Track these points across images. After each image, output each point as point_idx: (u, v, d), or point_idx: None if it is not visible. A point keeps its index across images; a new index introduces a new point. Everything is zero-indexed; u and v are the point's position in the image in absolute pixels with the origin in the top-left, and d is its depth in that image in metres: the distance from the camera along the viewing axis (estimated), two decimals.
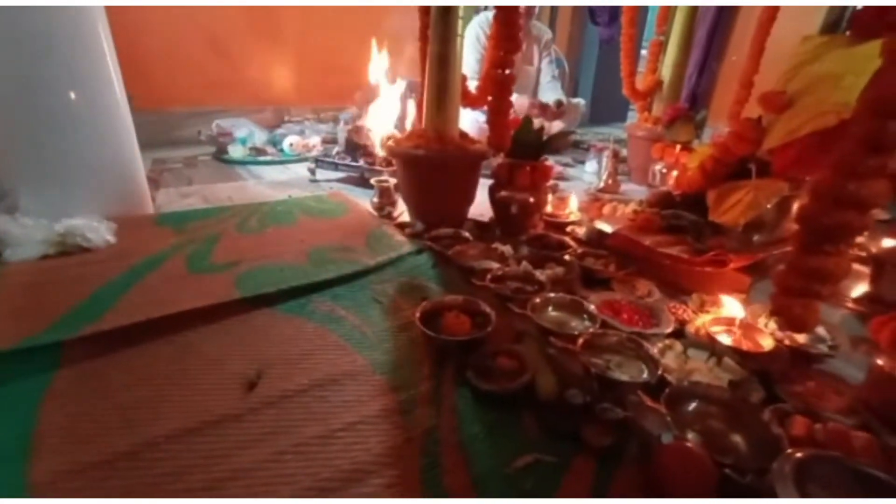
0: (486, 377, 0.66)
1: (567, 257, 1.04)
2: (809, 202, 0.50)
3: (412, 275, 0.97)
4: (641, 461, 0.54)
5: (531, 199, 1.15)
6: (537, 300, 0.81)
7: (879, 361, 0.61)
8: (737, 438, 0.57)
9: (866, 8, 0.74)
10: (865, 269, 0.92)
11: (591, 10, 2.69)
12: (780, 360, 0.72)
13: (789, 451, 0.39)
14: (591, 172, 1.92)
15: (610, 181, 1.73)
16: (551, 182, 1.77)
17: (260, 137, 2.00)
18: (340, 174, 1.70)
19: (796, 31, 0.97)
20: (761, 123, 0.91)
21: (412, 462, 0.53)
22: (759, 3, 1.60)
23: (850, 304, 0.91)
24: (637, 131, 1.82)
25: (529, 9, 2.09)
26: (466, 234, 1.12)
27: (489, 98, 1.08)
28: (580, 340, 0.69)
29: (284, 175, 1.78)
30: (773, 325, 0.79)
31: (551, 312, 0.82)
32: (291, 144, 1.96)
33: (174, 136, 2.17)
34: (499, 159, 1.19)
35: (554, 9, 3.42)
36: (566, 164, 2.13)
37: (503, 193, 1.16)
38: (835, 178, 0.45)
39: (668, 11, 1.72)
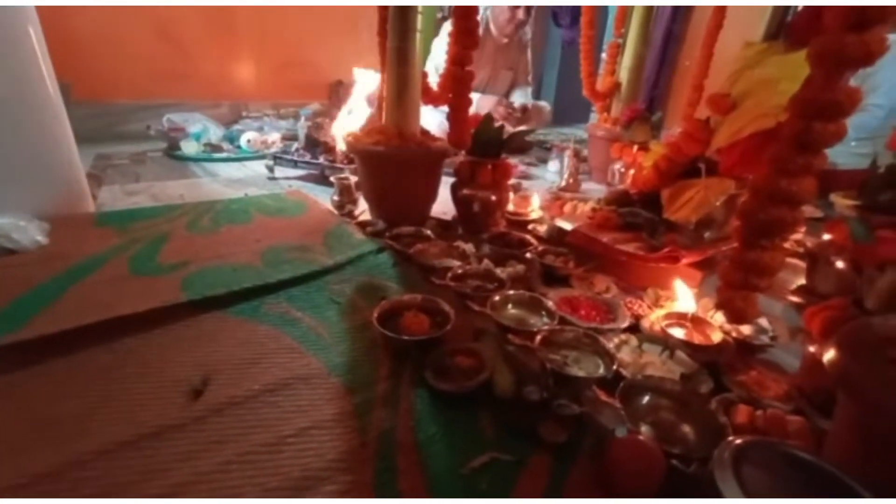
0: (444, 376, 0.65)
1: (528, 255, 1.04)
2: (747, 199, 0.52)
3: (372, 274, 0.95)
4: (596, 455, 0.55)
5: (493, 198, 1.15)
6: (497, 298, 0.81)
7: (811, 349, 0.65)
8: (686, 428, 0.59)
9: (799, 17, 0.78)
10: (802, 264, 0.97)
11: (554, 13, 2.74)
12: (727, 352, 0.75)
13: (729, 438, 0.40)
14: (554, 172, 1.95)
15: (571, 180, 1.76)
16: (514, 181, 1.80)
17: (215, 133, 1.92)
18: (300, 171, 1.65)
19: (741, 37, 1.01)
20: (709, 124, 0.95)
21: (367, 466, 0.51)
22: (707, 2, 1.67)
23: (789, 297, 0.96)
24: (597, 131, 1.87)
25: (527, 14, 2.07)
26: (428, 233, 1.11)
27: (449, 95, 1.07)
28: (538, 337, 0.70)
29: (241, 172, 1.71)
30: (720, 318, 0.83)
31: (511, 310, 0.82)
32: (249, 141, 1.89)
33: (120, 131, 2.04)
34: (460, 157, 1.18)
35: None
36: (530, 164, 2.16)
37: (465, 191, 1.15)
38: (769, 176, 0.48)
39: (625, 14, 1.77)
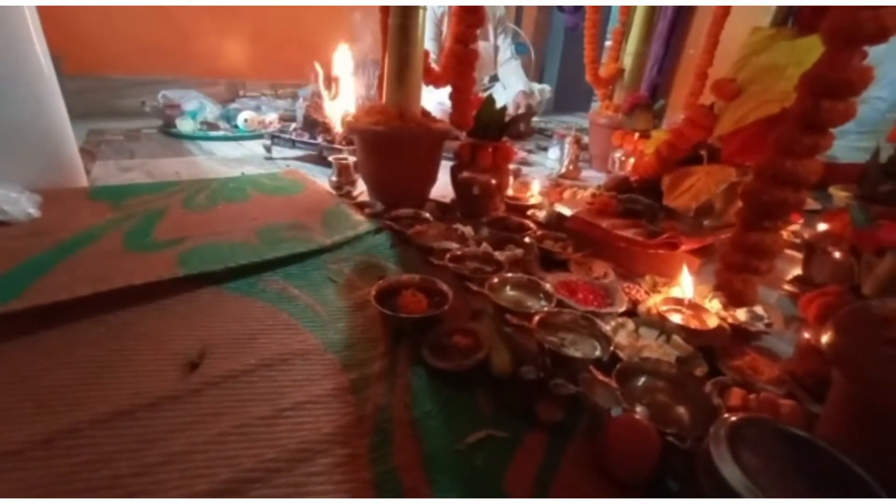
0: (442, 355, 0.65)
1: (527, 239, 1.04)
2: (752, 181, 0.52)
3: (370, 254, 0.94)
4: (591, 434, 0.55)
5: (493, 181, 1.14)
6: (495, 280, 0.80)
7: (806, 335, 0.65)
8: (681, 410, 0.59)
9: (808, 3, 0.77)
10: (799, 255, 0.97)
11: None
12: (722, 338, 0.76)
13: (725, 416, 0.40)
14: (554, 159, 1.94)
15: (571, 167, 1.75)
16: (514, 166, 1.78)
17: (212, 111, 1.89)
18: (298, 152, 1.64)
19: (748, 25, 1.00)
20: (713, 111, 0.94)
21: (362, 440, 0.52)
22: (713, 1, 1.65)
23: (785, 287, 0.97)
24: (599, 119, 1.85)
25: None
26: (427, 215, 1.10)
27: (452, 75, 1.05)
28: (536, 319, 0.70)
29: (238, 152, 1.69)
30: (717, 304, 0.83)
31: (509, 292, 0.82)
32: (246, 120, 1.86)
33: (114, 106, 2.01)
34: (460, 141, 1.17)
35: None
36: (530, 151, 2.15)
37: (465, 174, 1.14)
38: (774, 157, 0.47)
39: None
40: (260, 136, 1.78)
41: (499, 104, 2.26)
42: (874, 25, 0.39)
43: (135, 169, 1.39)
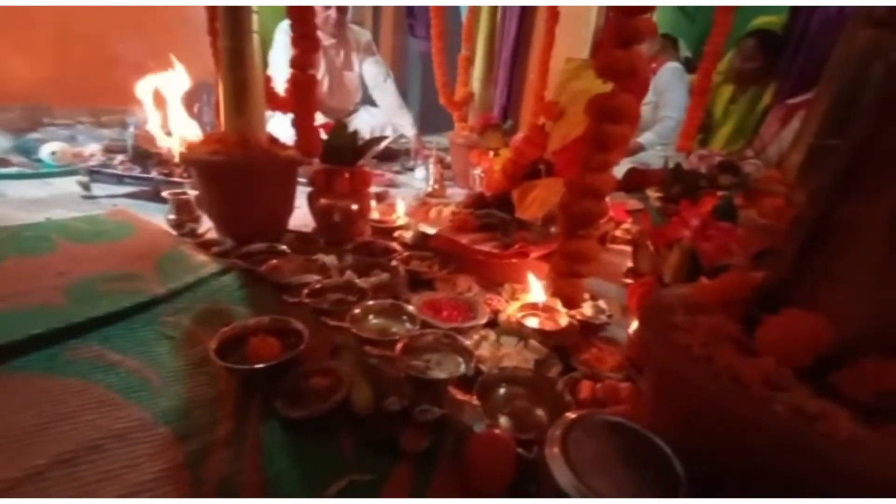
0: (298, 402, 0.59)
1: (393, 262, 1.03)
2: (564, 194, 0.58)
3: (215, 299, 0.84)
4: (457, 456, 0.55)
5: (354, 206, 1.11)
6: (356, 310, 0.77)
7: (635, 322, 0.74)
8: (540, 412, 0.63)
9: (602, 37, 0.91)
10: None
11: (410, 24, 2.82)
12: (573, 335, 0.82)
13: (566, 415, 0.43)
14: (421, 178, 1.99)
15: (437, 186, 1.81)
16: (381, 189, 1.79)
17: (2, 144, 1.53)
18: (129, 188, 1.41)
19: (572, 53, 1.15)
20: (545, 130, 1.05)
21: None
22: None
23: (622, 279, 1.11)
24: (457, 139, 1.96)
25: (341, 13, 2.07)
26: (284, 248, 1.02)
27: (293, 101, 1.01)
28: (399, 345, 0.68)
29: (43, 191, 1.39)
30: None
31: (373, 320, 0.79)
32: (54, 153, 1.55)
33: None
34: (316, 166, 1.12)
35: (376, 21, 3.48)
36: (397, 171, 2.17)
37: (323, 201, 1.10)
38: (578, 173, 0.54)
39: (472, 29, 1.89)
40: (75, 172, 1.49)
41: (368, 128, 2.27)
42: (627, 65, 0.48)
43: None
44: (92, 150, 1.62)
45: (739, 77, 2.00)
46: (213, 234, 1.14)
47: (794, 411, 0.30)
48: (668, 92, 2.12)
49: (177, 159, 1.37)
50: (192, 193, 1.14)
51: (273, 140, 1.09)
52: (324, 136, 1.07)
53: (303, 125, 1.00)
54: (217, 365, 0.64)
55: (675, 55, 2.47)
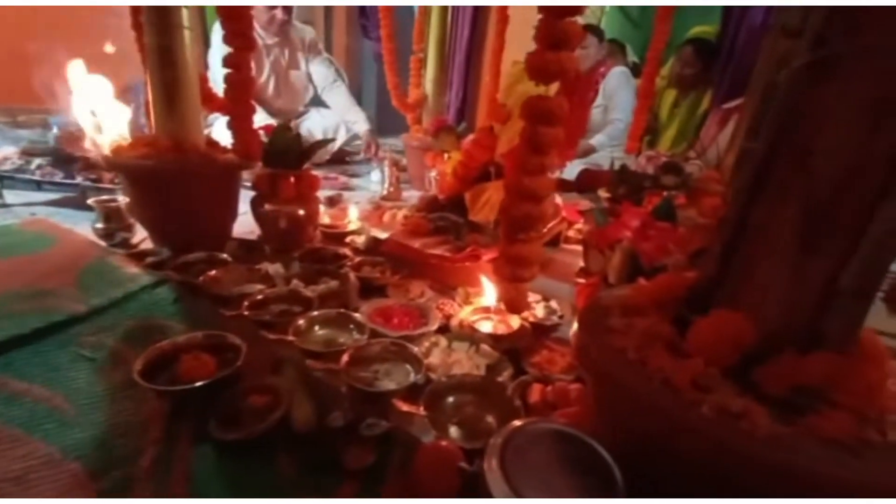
0: (234, 423, 0.55)
1: (344, 269, 1.00)
2: (504, 198, 0.58)
3: (146, 315, 0.77)
4: (405, 470, 0.53)
5: (301, 212, 1.07)
6: (301, 321, 0.74)
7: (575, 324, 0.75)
8: (490, 419, 0.61)
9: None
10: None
11: (363, 25, 2.77)
12: (525, 337, 0.82)
13: (508, 425, 0.42)
14: (376, 182, 1.96)
15: (392, 189, 1.78)
16: (335, 192, 1.74)
17: None
18: (50, 195, 1.29)
19: (522, 56, 1.15)
20: (494, 132, 1.05)
21: None
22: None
23: (574, 279, 1.13)
24: (412, 141, 1.94)
25: (287, 12, 2.01)
26: (225, 257, 0.97)
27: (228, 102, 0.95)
28: (344, 357, 0.65)
29: None
30: None
31: (318, 332, 0.76)
32: None
33: None
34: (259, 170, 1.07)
35: (328, 21, 3.40)
36: (352, 175, 2.13)
37: (268, 207, 1.05)
38: (516, 176, 0.54)
39: (422, 30, 1.88)
40: None
41: (320, 129, 2.20)
42: (557, 66, 0.48)
43: None
44: (6, 152, 1.47)
45: (680, 82, 2.10)
46: (149, 244, 1.06)
47: (719, 411, 0.30)
48: (616, 96, 2.20)
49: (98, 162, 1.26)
50: (124, 200, 1.06)
51: (212, 143, 1.03)
52: (266, 138, 1.02)
53: (239, 127, 0.95)
54: (143, 387, 0.59)
55: (623, 60, 2.56)
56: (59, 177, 1.26)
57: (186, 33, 0.90)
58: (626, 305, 0.42)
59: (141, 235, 1.09)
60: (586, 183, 1.83)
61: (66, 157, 1.30)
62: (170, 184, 0.93)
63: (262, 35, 2.06)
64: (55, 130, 1.47)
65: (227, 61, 0.91)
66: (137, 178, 0.94)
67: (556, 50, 0.47)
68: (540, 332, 0.87)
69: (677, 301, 0.42)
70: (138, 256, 0.97)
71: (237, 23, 0.87)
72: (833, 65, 0.29)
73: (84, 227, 1.09)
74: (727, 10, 1.79)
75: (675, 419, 0.32)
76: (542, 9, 0.46)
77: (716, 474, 0.32)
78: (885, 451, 0.28)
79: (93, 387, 0.61)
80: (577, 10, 0.47)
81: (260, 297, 0.81)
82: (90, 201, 1.04)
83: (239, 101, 0.93)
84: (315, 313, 0.77)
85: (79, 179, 1.25)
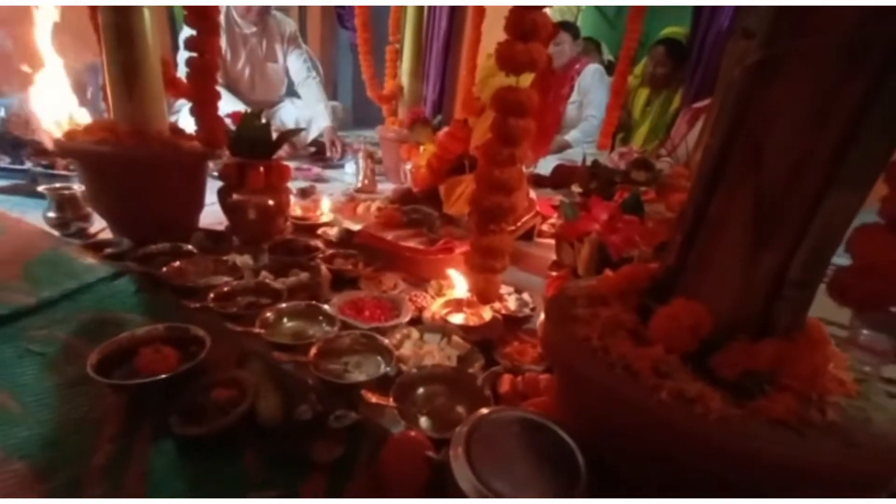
0: (196, 418, 0.54)
1: (315, 261, 0.98)
2: (475, 190, 0.58)
3: (103, 307, 0.74)
4: (373, 462, 0.53)
5: (270, 202, 1.04)
6: (268, 314, 0.72)
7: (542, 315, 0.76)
8: (460, 409, 0.62)
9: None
10: None
11: (339, 14, 2.71)
12: (496, 329, 0.83)
13: (473, 413, 0.42)
14: (351, 174, 1.93)
15: (366, 181, 1.76)
16: (308, 184, 1.70)
17: None
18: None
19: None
20: (468, 124, 1.05)
21: None
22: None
23: (547, 272, 1.14)
24: (387, 133, 1.91)
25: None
26: (190, 248, 0.93)
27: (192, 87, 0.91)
28: (313, 349, 0.64)
29: None
30: None
31: (287, 324, 0.74)
32: None
33: None
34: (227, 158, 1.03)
35: (303, 10, 3.31)
36: (326, 166, 2.09)
37: (235, 197, 1.01)
38: (487, 168, 0.54)
39: (398, 20, 1.85)
40: None
41: (293, 119, 2.15)
42: (526, 57, 0.48)
43: None
44: None
45: (652, 81, 2.15)
46: (108, 235, 1.01)
47: (676, 396, 0.31)
48: (590, 92, 2.24)
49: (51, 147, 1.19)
50: (79, 188, 1.00)
51: (176, 130, 0.99)
52: (234, 126, 0.99)
53: (203, 113, 0.91)
54: (98, 382, 0.56)
55: (599, 58, 2.60)
56: (5, 162, 1.18)
57: (146, 12, 0.86)
58: (592, 295, 0.43)
59: (99, 225, 1.04)
60: (561, 178, 1.85)
61: (13, 141, 1.22)
62: (129, 171, 0.89)
63: (239, 23, 2.00)
64: (2, 114, 1.38)
65: (189, 44, 0.87)
66: (93, 164, 0.89)
67: (525, 41, 0.47)
68: (512, 323, 0.87)
69: (641, 291, 0.43)
70: (96, 247, 0.92)
71: (200, 3, 0.83)
72: (779, 63, 0.30)
73: (34, 216, 1.03)
74: (698, 12, 1.84)
75: (634, 405, 0.33)
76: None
77: (673, 457, 0.32)
78: (825, 431, 0.29)
79: (41, 383, 0.58)
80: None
81: (226, 288, 0.79)
82: (41, 188, 0.98)
83: (202, 86, 0.89)
84: (283, 305, 0.75)
85: (28, 165, 1.18)
